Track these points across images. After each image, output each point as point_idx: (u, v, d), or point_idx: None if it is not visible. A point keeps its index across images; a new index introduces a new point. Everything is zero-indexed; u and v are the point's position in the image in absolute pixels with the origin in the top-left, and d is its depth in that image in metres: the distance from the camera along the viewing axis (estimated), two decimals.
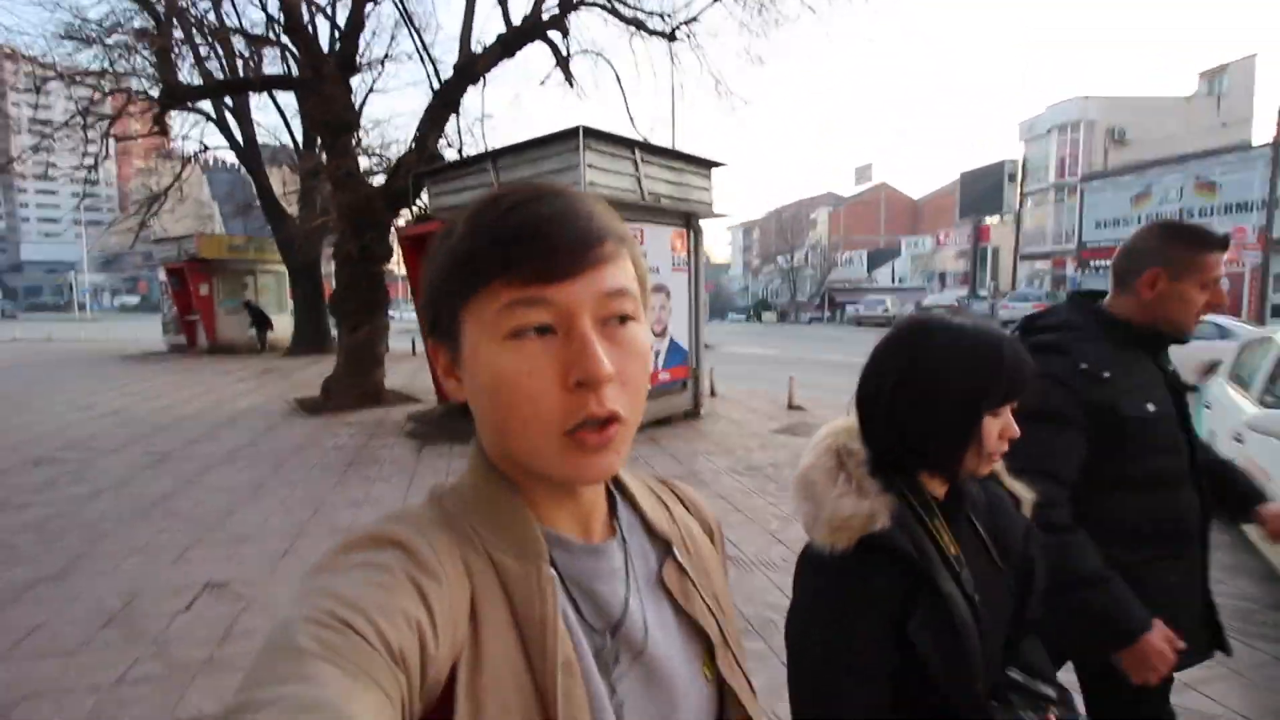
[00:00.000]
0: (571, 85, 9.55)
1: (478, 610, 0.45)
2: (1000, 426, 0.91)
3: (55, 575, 3.60)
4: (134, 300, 69.28)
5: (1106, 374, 1.38)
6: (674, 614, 0.56)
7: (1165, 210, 24.59)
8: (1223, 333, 9.18)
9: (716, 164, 7.96)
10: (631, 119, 9.98)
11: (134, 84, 11.21)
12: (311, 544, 4.05)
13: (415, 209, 8.54)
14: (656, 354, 7.37)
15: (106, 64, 10.40)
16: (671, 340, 7.52)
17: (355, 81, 9.63)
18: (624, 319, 0.47)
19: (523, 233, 0.44)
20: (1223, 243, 1.43)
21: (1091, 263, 27.27)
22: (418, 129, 9.18)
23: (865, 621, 0.86)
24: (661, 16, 9.17)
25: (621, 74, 10.05)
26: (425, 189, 8.24)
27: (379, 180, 9.87)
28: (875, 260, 53.02)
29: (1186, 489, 1.42)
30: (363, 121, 11.74)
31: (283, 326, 17.03)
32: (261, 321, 16.58)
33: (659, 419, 7.53)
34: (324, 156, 9.48)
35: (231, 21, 10.37)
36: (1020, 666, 0.96)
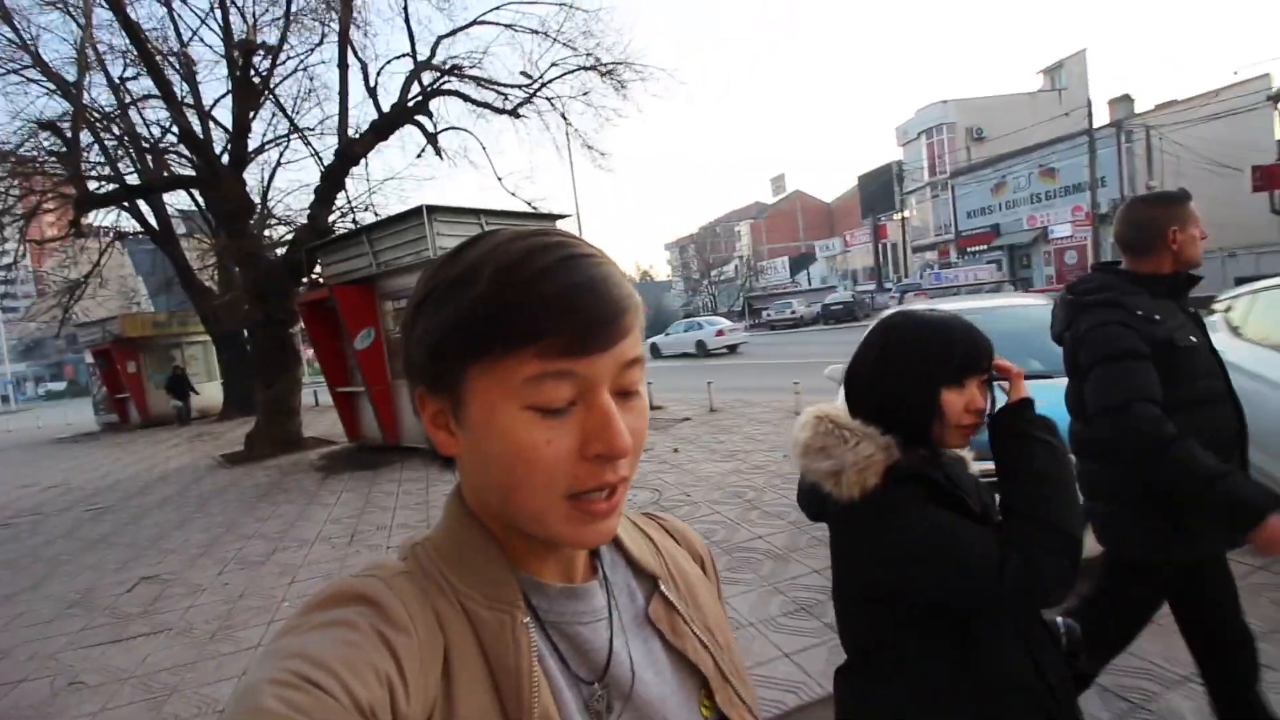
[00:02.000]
0: (441, 157, 11.18)
1: (451, 664, 0.44)
2: (965, 400, 1.03)
3: (28, 588, 4.95)
4: (60, 386, 66.92)
5: (1157, 316, 1.63)
6: (665, 651, 0.55)
7: (1019, 197, 27.83)
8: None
9: (560, 216, 9.69)
10: (499, 179, 11.60)
11: (41, 183, 12.29)
12: (222, 548, 5.46)
13: (310, 278, 9.94)
14: None
15: (14, 171, 11.50)
16: None
17: (257, 164, 11.05)
18: (636, 390, 0.46)
19: (560, 302, 0.42)
20: (1185, 195, 1.77)
21: (968, 249, 30.35)
22: (310, 207, 10.64)
23: (928, 511, 0.99)
24: (506, 96, 10.91)
25: (517, 131, 11.65)
26: (317, 261, 9.68)
27: (286, 247, 11.23)
28: (796, 266, 56.07)
29: (1225, 404, 1.69)
30: (271, 193, 13.07)
31: (212, 394, 17.93)
32: (181, 391, 17.02)
33: None
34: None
35: (138, 127, 11.65)
36: None
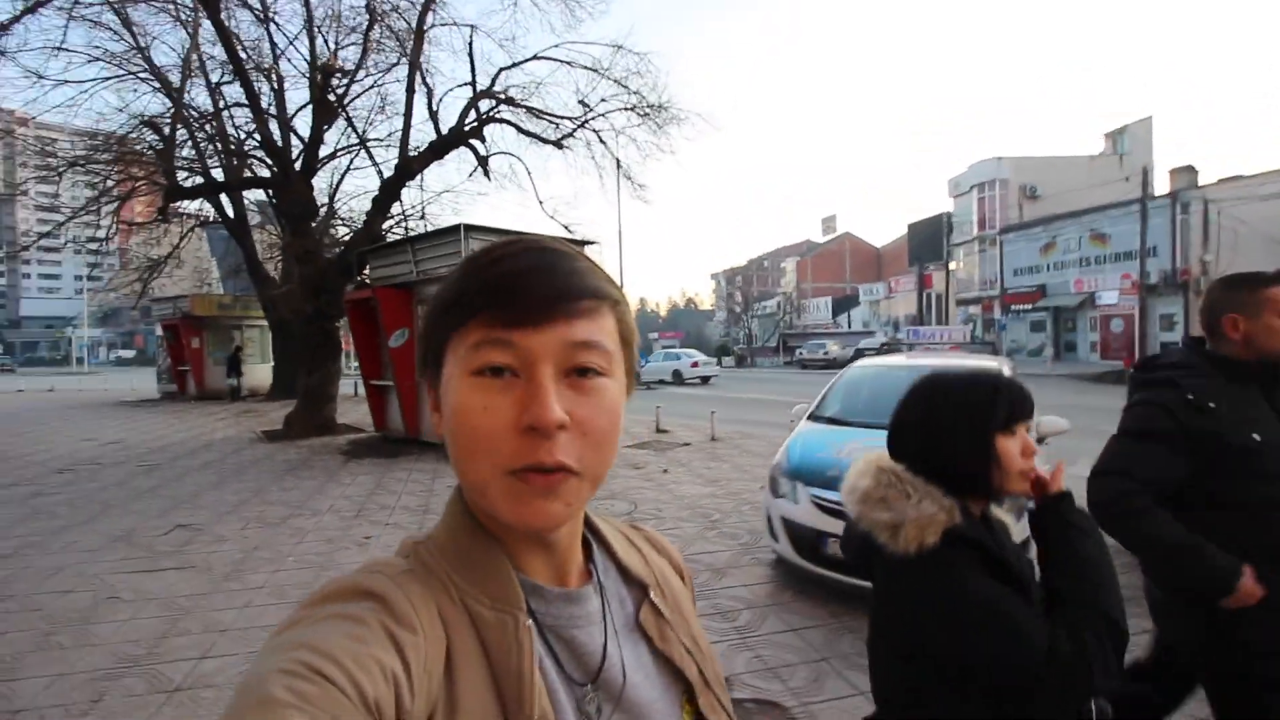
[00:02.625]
0: (489, 179, 12.07)
1: (453, 662, 0.45)
2: (1019, 445, 1.07)
3: (82, 522, 5.77)
4: (130, 354, 71.60)
5: (1212, 404, 1.51)
6: (652, 657, 0.56)
7: (1068, 259, 27.43)
8: None
9: (589, 242, 10.40)
10: (540, 202, 12.38)
11: (138, 171, 13.74)
12: (247, 509, 6.20)
13: (359, 279, 10.87)
14: None
15: (117, 158, 12.92)
16: None
17: (327, 169, 12.17)
18: (588, 371, 0.47)
19: (502, 281, 0.47)
20: (1276, 277, 1.60)
21: (1012, 307, 29.96)
22: (365, 215, 11.64)
23: (983, 581, 1.00)
24: (558, 126, 11.78)
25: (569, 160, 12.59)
26: (367, 264, 10.61)
27: (342, 249, 12.27)
28: (839, 307, 55.94)
29: None
30: (339, 195, 14.25)
31: (263, 375, 19.24)
32: (236, 369, 18.41)
33: None
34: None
35: (228, 130, 12.98)
36: None
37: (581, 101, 12.03)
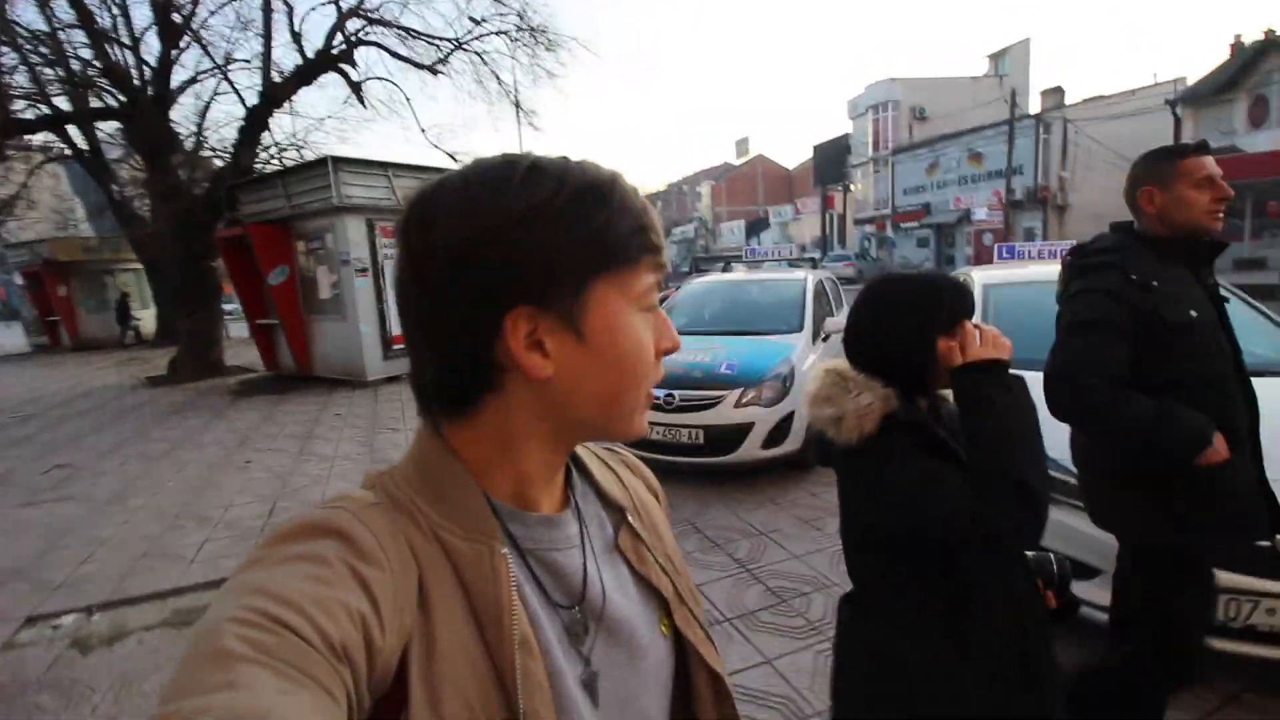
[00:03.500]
0: (364, 106, 11.75)
1: (427, 594, 0.45)
2: (963, 341, 1.11)
3: None
4: None
5: (1155, 283, 1.51)
6: (630, 576, 0.58)
7: (948, 178, 29.25)
8: None
9: None
10: (423, 130, 12.21)
11: None
12: (128, 447, 6.43)
13: (229, 217, 10.57)
14: None
15: None
16: None
17: (194, 94, 11.41)
18: None
19: (655, 223, 0.51)
20: (1197, 148, 1.58)
21: (902, 225, 31.87)
22: (232, 146, 11.16)
23: (916, 459, 1.07)
24: (438, 46, 11.50)
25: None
26: (238, 199, 10.32)
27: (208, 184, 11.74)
28: (752, 229, 57.12)
29: (1233, 387, 1.55)
30: (209, 126, 13.37)
31: (149, 321, 18.30)
32: (124, 317, 17.71)
33: None
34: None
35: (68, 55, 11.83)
36: None
37: (471, 18, 11.72)
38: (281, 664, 0.35)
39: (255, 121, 11.16)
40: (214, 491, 4.92)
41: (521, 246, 0.45)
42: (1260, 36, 19.16)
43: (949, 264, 29.42)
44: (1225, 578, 1.87)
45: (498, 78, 12.29)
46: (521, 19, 11.73)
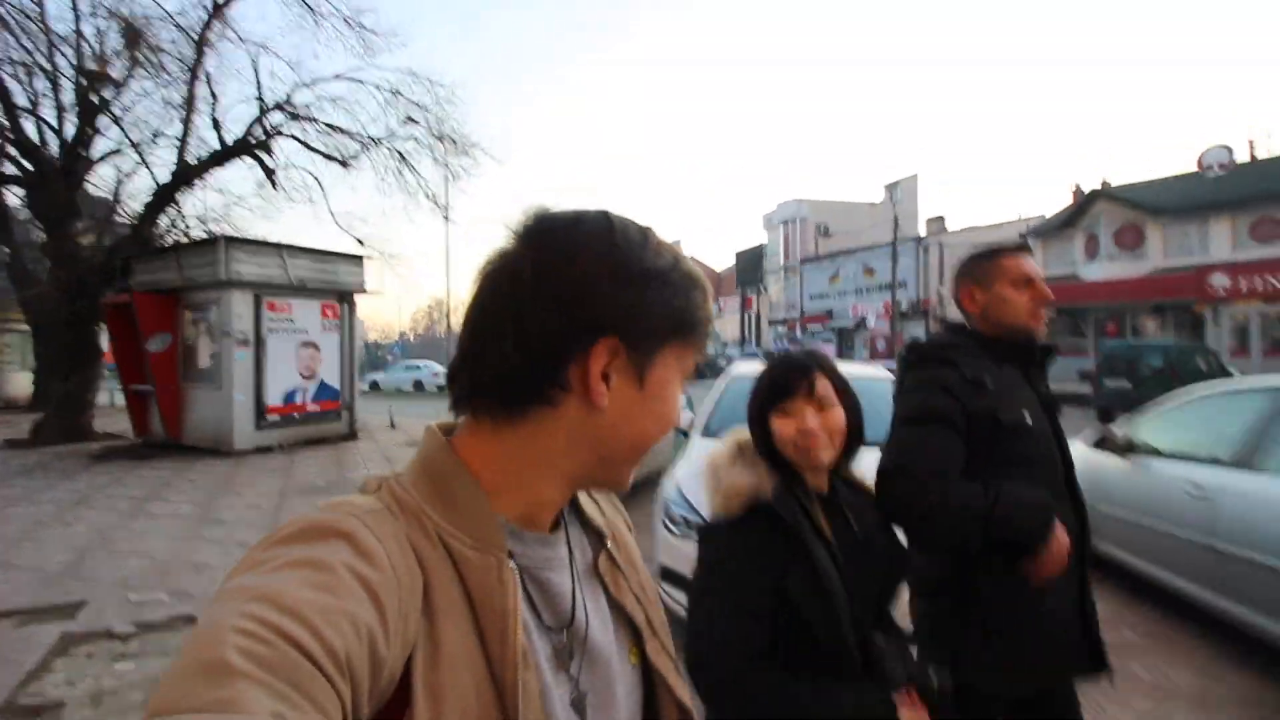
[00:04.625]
0: (276, 190, 12.45)
1: (432, 600, 0.45)
2: (793, 424, 1.14)
3: None
4: None
5: (988, 381, 1.44)
6: (606, 603, 0.60)
7: (847, 288, 32.15)
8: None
9: (364, 257, 11.23)
10: (333, 214, 12.92)
11: None
12: None
13: (121, 283, 10.76)
14: (306, 391, 10.23)
15: None
16: (321, 381, 10.43)
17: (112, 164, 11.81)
18: None
19: (708, 317, 0.57)
20: (1014, 246, 1.58)
21: (808, 327, 34.37)
22: (136, 218, 11.53)
23: (753, 569, 1.06)
24: (364, 143, 12.47)
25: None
26: (134, 268, 10.58)
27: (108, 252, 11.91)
28: None
29: (1063, 502, 1.45)
30: (128, 193, 13.65)
31: (24, 384, 17.48)
32: None
33: (316, 439, 10.31)
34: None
35: None
36: (889, 633, 1.15)
37: (411, 118, 12.69)
38: (280, 683, 0.33)
39: (163, 197, 11.63)
40: (30, 544, 5.04)
41: (638, 295, 0.51)
42: (1095, 186, 22.80)
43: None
44: None
45: (416, 172, 13.32)
46: (430, 127, 12.94)
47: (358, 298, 11.15)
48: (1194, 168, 20.98)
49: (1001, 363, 1.51)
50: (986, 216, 32.69)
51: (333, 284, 10.67)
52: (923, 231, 32.21)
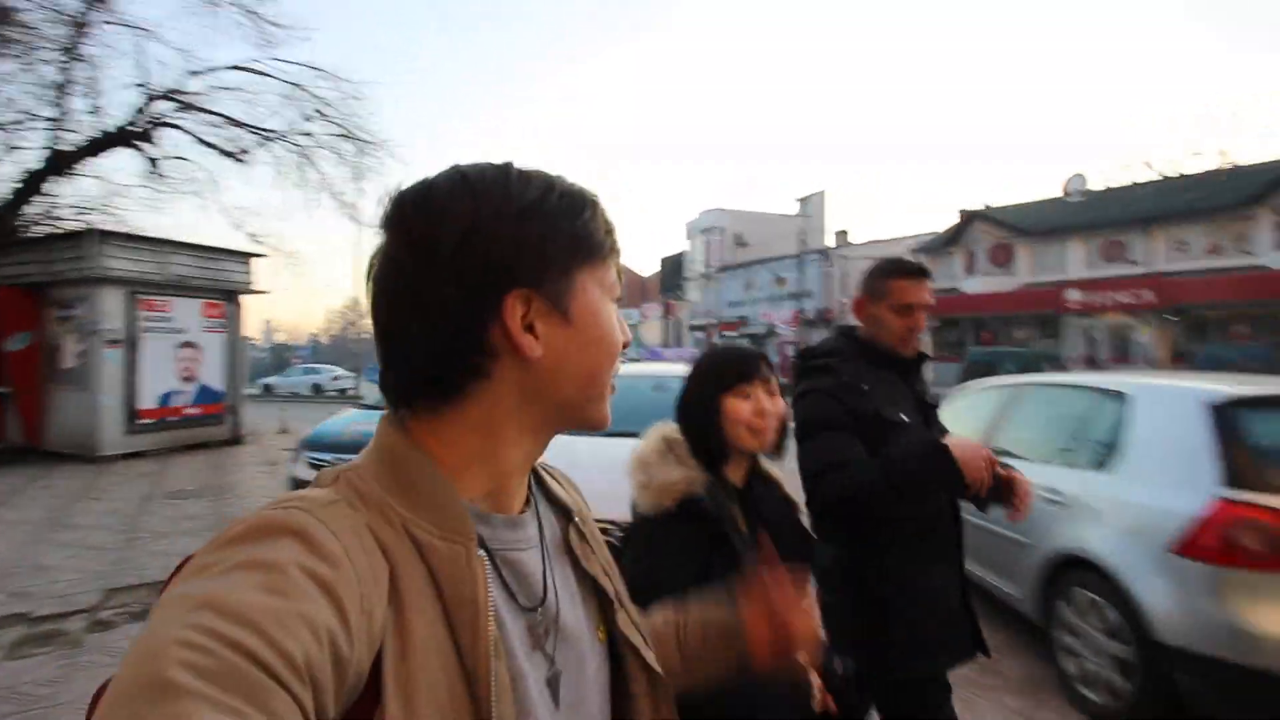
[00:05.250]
0: (160, 179, 11.90)
1: (399, 591, 0.43)
2: (750, 405, 1.18)
3: None
4: None
5: (865, 386, 1.57)
6: (575, 579, 0.60)
7: (760, 296, 33.49)
8: None
9: (253, 255, 10.95)
10: (223, 210, 12.49)
11: None
12: None
13: None
14: (186, 394, 9.89)
15: None
16: (201, 384, 10.10)
17: None
18: None
19: (617, 229, 0.56)
20: (912, 270, 1.64)
21: (724, 333, 35.52)
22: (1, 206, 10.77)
23: (682, 559, 1.10)
24: (265, 136, 12.08)
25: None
26: None
27: None
28: None
29: (938, 494, 1.56)
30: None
31: None
32: None
33: (198, 443, 9.96)
34: None
35: None
36: None
37: (319, 111, 12.26)
38: (230, 697, 0.31)
39: (31, 184, 10.92)
40: None
41: (520, 236, 0.49)
42: (978, 208, 24.89)
43: None
44: None
45: (317, 169, 13.01)
46: (337, 125, 12.72)
47: (257, 297, 10.91)
48: (1059, 193, 23.36)
49: (879, 367, 1.64)
50: (888, 232, 34.93)
51: (217, 282, 10.37)
52: (830, 243, 34.02)
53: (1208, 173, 20.82)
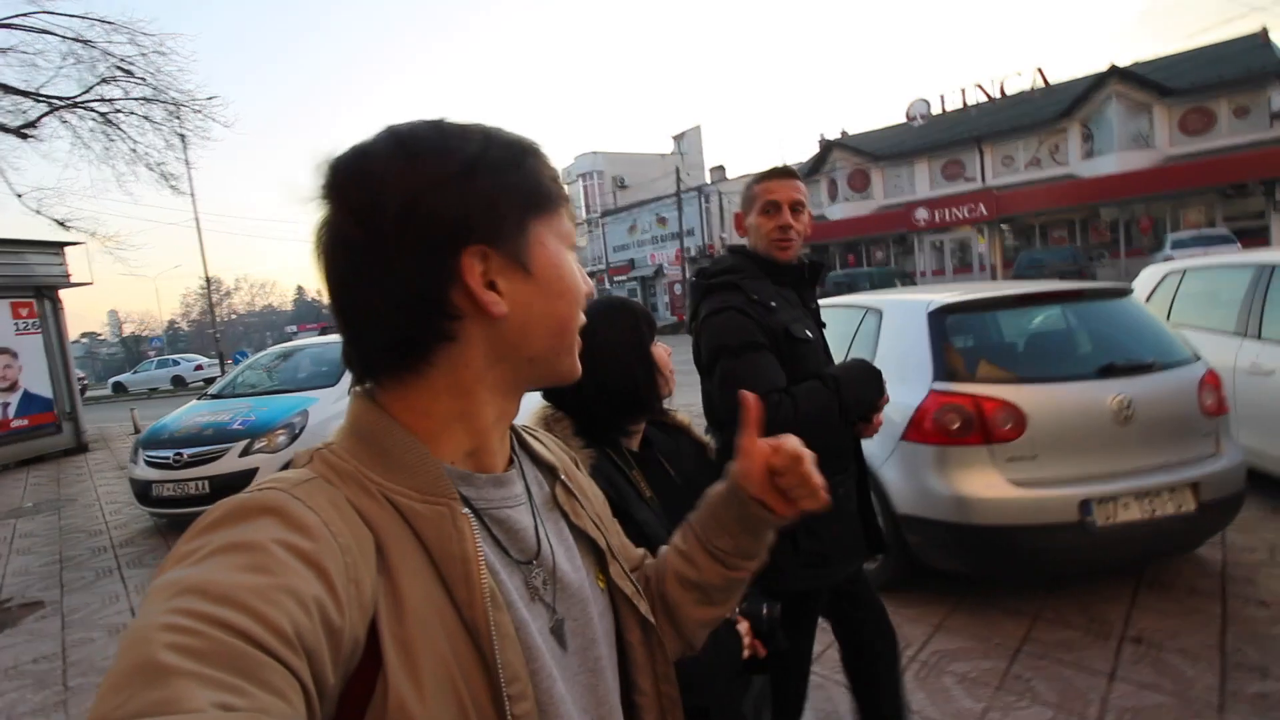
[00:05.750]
0: None
1: (387, 558, 0.44)
2: (662, 352, 1.21)
3: None
4: None
5: (773, 303, 1.54)
6: (569, 532, 0.60)
7: (645, 238, 33.80)
8: None
9: (68, 244, 9.81)
10: (18, 195, 10.91)
11: None
12: None
13: None
14: (7, 405, 8.91)
15: None
16: (25, 392, 9.13)
17: None
18: None
19: (563, 181, 0.56)
20: (774, 171, 1.62)
21: (614, 278, 35.76)
22: None
23: None
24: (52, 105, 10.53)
25: None
26: None
27: None
28: None
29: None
30: None
31: None
32: None
33: (34, 456, 9.06)
34: None
35: None
36: None
37: (120, 68, 10.66)
38: (222, 672, 0.31)
39: None
40: None
41: (467, 193, 0.48)
42: (836, 137, 26.09)
43: (654, 311, 33.69)
44: None
45: (129, 137, 11.58)
46: (146, 85, 11.33)
47: (86, 289, 9.79)
48: (905, 119, 24.95)
49: (778, 283, 1.60)
50: (762, 164, 35.75)
51: (24, 278, 9.25)
52: (708, 180, 34.64)
53: (1025, 92, 22.93)
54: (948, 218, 21.85)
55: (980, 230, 21.27)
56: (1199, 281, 4.43)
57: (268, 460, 5.05)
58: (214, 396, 6.15)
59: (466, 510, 0.49)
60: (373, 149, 0.49)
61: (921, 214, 22.26)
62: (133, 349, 40.29)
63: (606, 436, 1.16)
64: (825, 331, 1.72)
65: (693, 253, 29.69)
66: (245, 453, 5.03)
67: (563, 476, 0.63)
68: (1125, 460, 2.65)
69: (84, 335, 59.15)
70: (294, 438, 5.21)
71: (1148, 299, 4.73)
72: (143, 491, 5.05)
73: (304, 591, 0.37)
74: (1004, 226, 21.49)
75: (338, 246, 0.49)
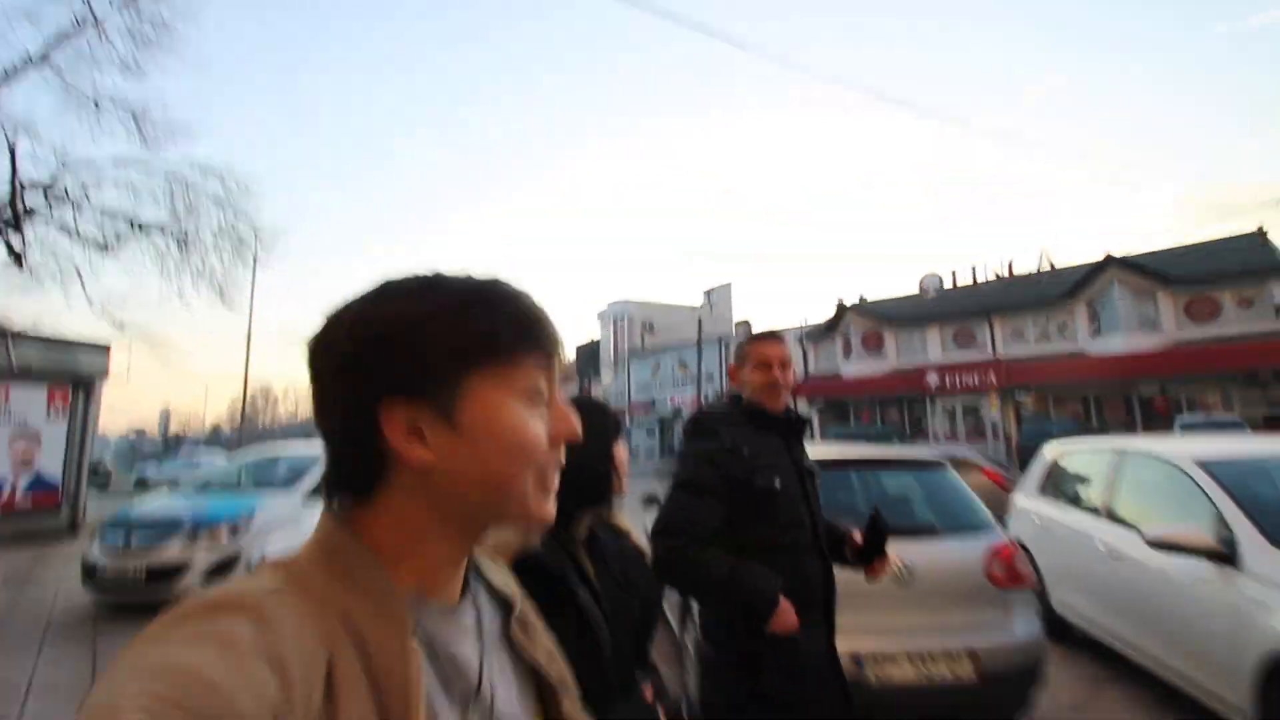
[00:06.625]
0: (24, 270, 11.90)
1: (334, 683, 0.43)
2: (622, 452, 1.31)
3: None
4: None
5: (745, 450, 1.67)
6: (514, 668, 0.59)
7: (666, 381, 34.81)
8: None
9: (104, 347, 11.04)
10: (90, 303, 12.46)
11: None
12: None
13: None
14: (15, 485, 9.58)
15: None
16: (37, 473, 9.82)
17: None
18: None
19: (539, 320, 0.55)
20: (764, 335, 1.85)
21: (635, 417, 36.42)
22: None
23: None
24: (143, 229, 12.34)
25: None
26: None
27: None
28: None
29: (811, 557, 1.69)
30: None
31: None
32: None
33: (26, 534, 9.52)
34: None
35: None
36: (645, 668, 1.20)
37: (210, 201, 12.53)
38: None
39: None
40: None
41: (401, 347, 0.50)
42: (853, 300, 27.39)
43: (670, 451, 33.87)
44: None
45: (196, 257, 13.30)
46: (222, 219, 13.21)
47: (150, 386, 10.81)
48: (917, 290, 26.18)
49: (762, 431, 1.76)
50: (783, 322, 37.48)
51: (67, 370, 10.32)
52: (733, 333, 36.16)
53: (1033, 274, 24.00)
54: (959, 384, 22.10)
55: (992, 397, 21.36)
56: (1077, 462, 4.62)
57: (204, 555, 5.37)
58: (197, 489, 6.62)
59: (416, 645, 0.48)
60: (347, 307, 0.53)
61: (933, 379, 22.58)
62: (173, 448, 41.97)
63: (559, 516, 1.52)
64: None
65: (710, 397, 30.34)
66: (187, 543, 5.37)
67: (518, 609, 0.63)
68: (901, 619, 2.77)
69: (134, 431, 61.98)
70: (234, 533, 5.56)
71: (1045, 475, 4.90)
72: (89, 573, 5.37)
73: (266, 695, 0.38)
74: (1019, 399, 21.54)
75: (309, 377, 0.53)
